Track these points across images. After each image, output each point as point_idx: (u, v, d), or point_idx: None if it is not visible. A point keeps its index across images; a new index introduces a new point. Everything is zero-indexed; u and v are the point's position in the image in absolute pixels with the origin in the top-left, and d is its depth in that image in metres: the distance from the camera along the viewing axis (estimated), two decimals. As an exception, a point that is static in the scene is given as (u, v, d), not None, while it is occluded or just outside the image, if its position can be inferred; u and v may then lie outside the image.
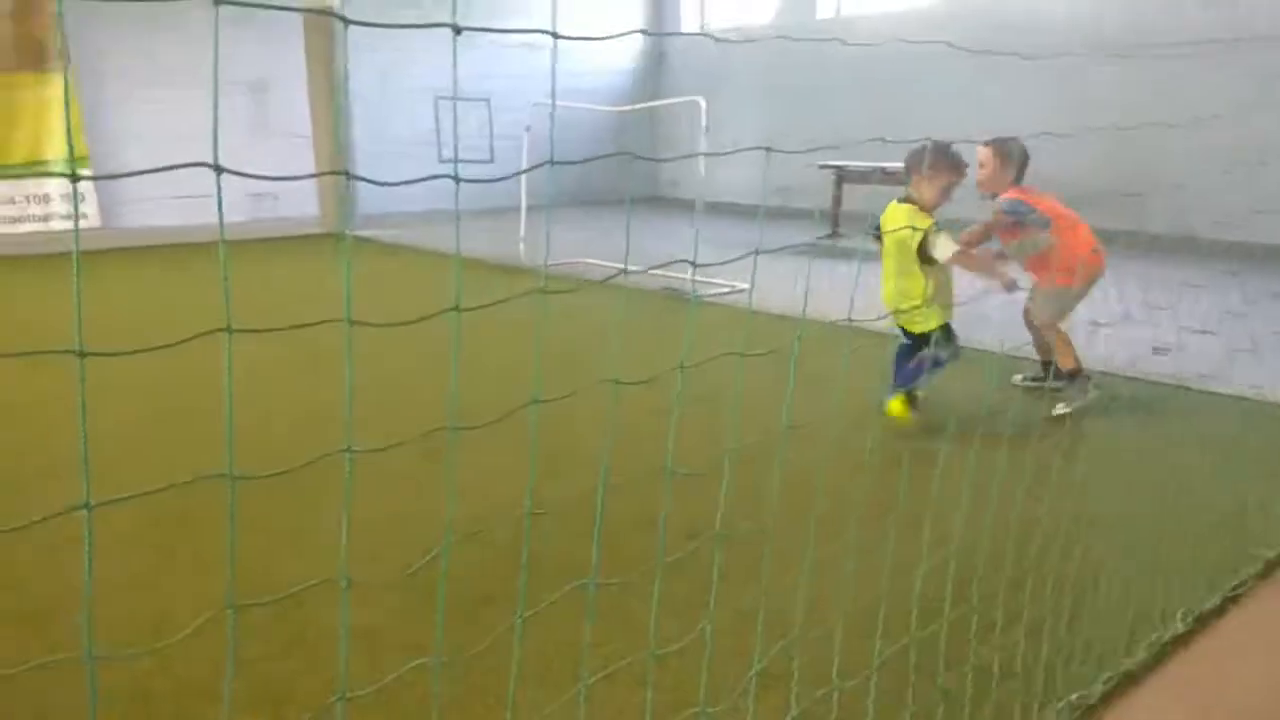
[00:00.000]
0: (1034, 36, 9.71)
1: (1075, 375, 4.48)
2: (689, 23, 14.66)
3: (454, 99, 11.98)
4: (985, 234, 4.50)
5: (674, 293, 7.03)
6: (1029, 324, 4.66)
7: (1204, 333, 3.36)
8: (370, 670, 2.21)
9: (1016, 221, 4.33)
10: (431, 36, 10.68)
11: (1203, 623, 2.56)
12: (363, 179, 1.13)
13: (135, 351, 0.99)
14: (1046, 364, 4.67)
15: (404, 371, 4.81)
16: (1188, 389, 4.68)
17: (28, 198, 10.13)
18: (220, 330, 0.97)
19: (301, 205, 11.50)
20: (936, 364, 4.07)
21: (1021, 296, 4.45)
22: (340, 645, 1.31)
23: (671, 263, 1.60)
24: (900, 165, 4.66)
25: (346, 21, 1.10)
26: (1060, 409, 4.44)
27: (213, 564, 2.77)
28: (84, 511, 0.92)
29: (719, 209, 12.71)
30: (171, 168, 1.00)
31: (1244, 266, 5.83)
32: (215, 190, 0.96)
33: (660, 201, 14.93)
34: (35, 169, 9.97)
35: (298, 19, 10.76)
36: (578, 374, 4.68)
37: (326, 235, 10.97)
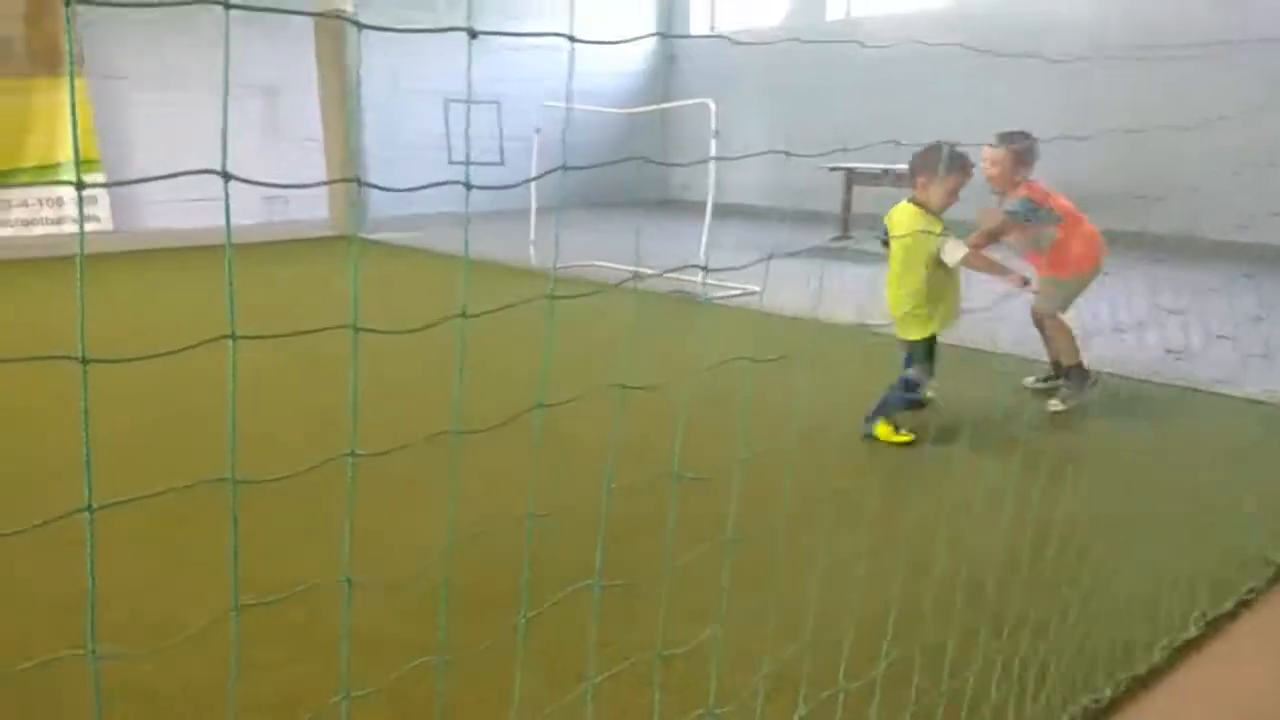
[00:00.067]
0: (1043, 38, 9.68)
1: (1075, 371, 4.48)
2: (698, 24, 14.67)
3: (468, 102, 11.99)
4: (995, 236, 4.49)
5: (685, 295, 7.03)
6: (1038, 323, 4.65)
7: (1219, 337, 3.35)
8: (377, 672, 2.21)
9: (1026, 219, 4.32)
10: (443, 40, 10.71)
11: (1214, 627, 2.55)
12: (374, 185, 1.14)
13: (138, 359, 1.00)
14: (1058, 365, 4.66)
15: (411, 375, 4.81)
16: (1201, 392, 4.66)
17: (40, 200, 10.19)
18: (225, 337, 0.98)
19: (312, 209, 11.54)
20: (909, 389, 4.03)
21: (1030, 296, 4.44)
22: (343, 645, 1.32)
23: (685, 267, 1.60)
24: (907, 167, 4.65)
25: (360, 25, 1.10)
26: (1055, 405, 4.44)
27: (220, 567, 2.76)
28: (86, 514, 0.93)
29: (729, 211, 12.70)
30: (179, 174, 1.01)
31: (1257, 269, 5.80)
32: (225, 195, 0.96)
33: (671, 204, 14.93)
34: (46, 175, 10.03)
35: (309, 22, 10.80)
36: (588, 378, 4.68)
37: (337, 238, 11.00)
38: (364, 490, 2.81)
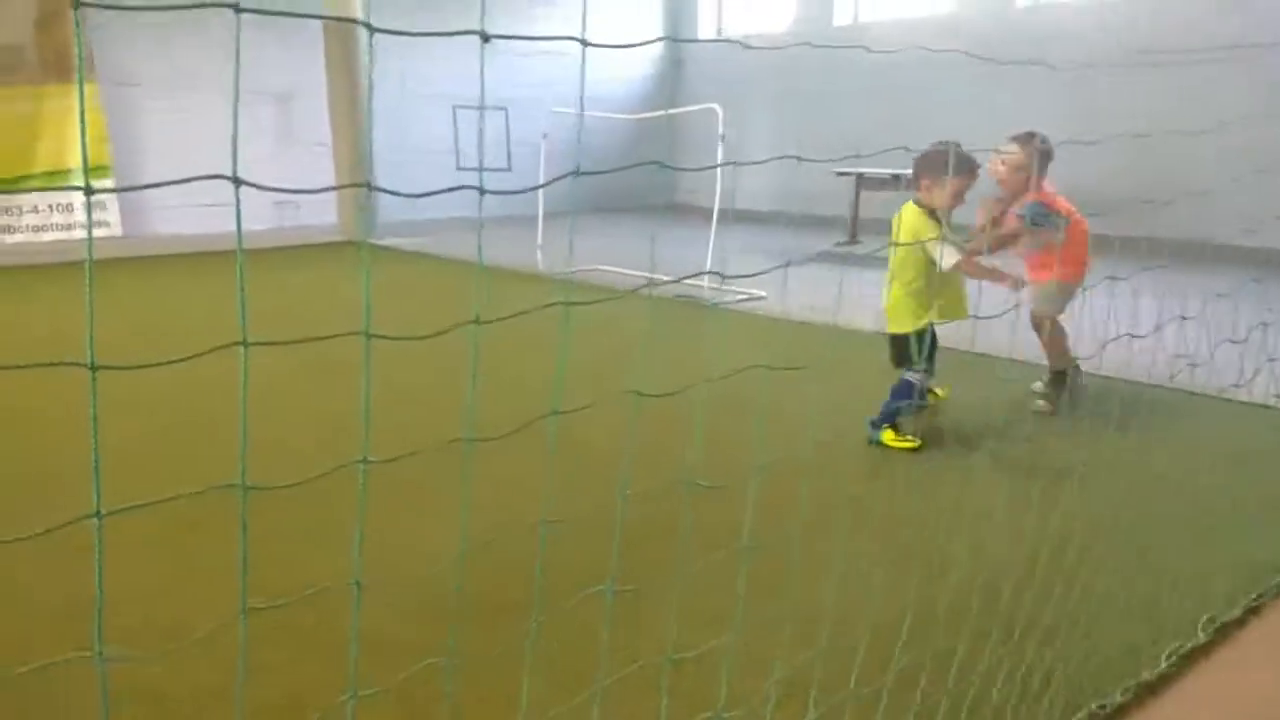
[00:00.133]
0: (1048, 44, 9.67)
1: (1063, 373, 4.52)
2: (706, 29, 14.69)
3: (481, 108, 12.00)
4: (1005, 241, 4.47)
5: (692, 300, 7.03)
6: (1037, 327, 4.64)
7: (1229, 341, 3.33)
8: (384, 675, 2.21)
9: (1037, 224, 4.31)
10: (452, 44, 10.73)
11: (1223, 633, 2.54)
12: (386, 190, 1.13)
13: (146, 366, 1.00)
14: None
15: (423, 381, 4.82)
16: (1210, 397, 4.64)
17: (51, 206, 10.23)
18: (236, 344, 0.98)
19: (322, 214, 11.56)
20: (906, 393, 4.01)
21: (1028, 299, 4.44)
22: (351, 646, 1.32)
23: (697, 274, 1.60)
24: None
25: (372, 29, 1.09)
26: (1042, 405, 4.46)
27: (230, 572, 2.77)
28: (95, 520, 0.93)
29: (736, 215, 12.70)
30: (189, 180, 1.01)
31: (1265, 273, 5.78)
32: (236, 200, 0.96)
33: (679, 208, 14.93)
34: (56, 180, 10.06)
35: (319, 27, 10.83)
36: (600, 384, 4.68)
37: (347, 243, 11.02)
38: (375, 496, 2.79)
